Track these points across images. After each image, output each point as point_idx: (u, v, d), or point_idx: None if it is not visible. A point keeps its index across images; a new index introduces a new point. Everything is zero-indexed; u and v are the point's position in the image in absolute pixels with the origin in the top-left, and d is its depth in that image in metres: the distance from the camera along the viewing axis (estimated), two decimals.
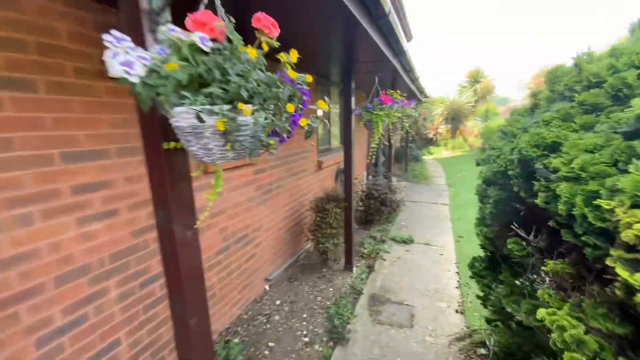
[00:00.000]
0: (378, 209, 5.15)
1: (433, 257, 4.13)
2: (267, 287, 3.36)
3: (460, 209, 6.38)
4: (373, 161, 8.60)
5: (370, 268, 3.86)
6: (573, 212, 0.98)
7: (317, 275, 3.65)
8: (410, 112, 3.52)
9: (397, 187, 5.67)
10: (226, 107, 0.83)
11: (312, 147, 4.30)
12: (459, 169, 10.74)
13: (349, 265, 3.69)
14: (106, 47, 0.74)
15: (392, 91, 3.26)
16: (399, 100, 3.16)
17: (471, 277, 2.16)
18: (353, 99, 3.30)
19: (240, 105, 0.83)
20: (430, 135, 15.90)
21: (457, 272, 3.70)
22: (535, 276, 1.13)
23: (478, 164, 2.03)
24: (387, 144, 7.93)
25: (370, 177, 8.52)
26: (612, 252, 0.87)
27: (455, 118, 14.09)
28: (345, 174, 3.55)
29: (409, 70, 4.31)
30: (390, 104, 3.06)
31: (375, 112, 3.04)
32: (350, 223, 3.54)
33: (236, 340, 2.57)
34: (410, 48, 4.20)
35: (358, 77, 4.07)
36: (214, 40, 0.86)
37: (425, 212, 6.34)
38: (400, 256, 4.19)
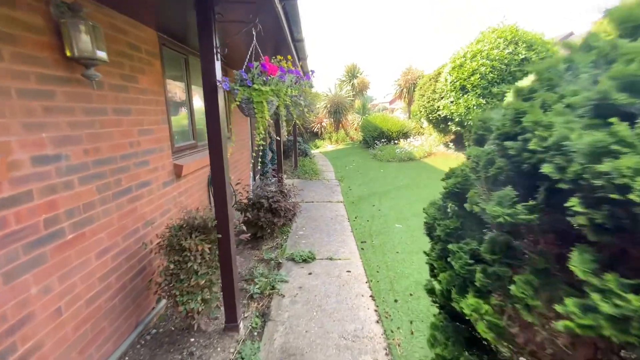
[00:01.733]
0: (270, 222, 4.03)
1: (341, 278, 3.36)
2: None
3: (355, 206, 6.03)
4: (259, 159, 7.39)
5: (265, 316, 2.72)
6: None
7: (179, 356, 2.23)
8: (307, 90, 2.50)
9: (290, 189, 4.69)
10: None
11: (160, 143, 2.73)
12: (345, 162, 10.85)
13: (232, 325, 2.43)
14: None
15: (280, 57, 2.14)
16: (291, 70, 2.08)
17: None
18: (217, 65, 2.00)
19: None
20: (316, 129, 15.92)
21: (371, 296, 3.02)
22: None
23: (474, 159, 1.15)
24: (276, 137, 6.88)
25: (257, 178, 7.28)
26: None
27: (337, 111, 14.44)
28: (215, 185, 2.24)
29: (298, 39, 3.30)
30: (281, 75, 1.94)
31: (256, 86, 1.86)
32: (230, 265, 2.28)
33: None
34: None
35: (225, 34, 2.75)
36: None
37: (322, 213, 5.67)
38: (303, 285, 3.23)
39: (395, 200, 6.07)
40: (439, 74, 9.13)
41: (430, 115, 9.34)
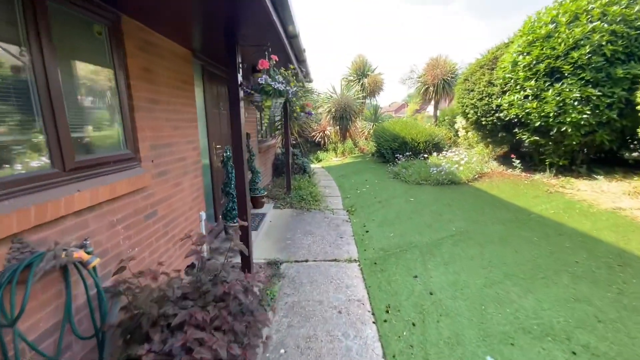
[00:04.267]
0: None
1: None
2: None
3: (381, 276, 3.48)
4: (223, 188, 4.90)
5: None
6: None
7: None
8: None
9: (257, 283, 2.14)
10: None
11: None
12: (355, 183, 8.33)
13: None
14: None
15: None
16: None
17: None
18: None
19: None
20: (318, 138, 13.48)
21: None
22: None
23: None
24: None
25: (220, 219, 4.73)
26: None
27: (344, 117, 11.99)
28: None
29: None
30: None
31: None
32: None
33: None
34: None
35: None
36: None
37: (322, 292, 3.14)
38: None
39: (457, 270, 3.47)
40: (496, 57, 6.63)
41: (483, 119, 6.74)
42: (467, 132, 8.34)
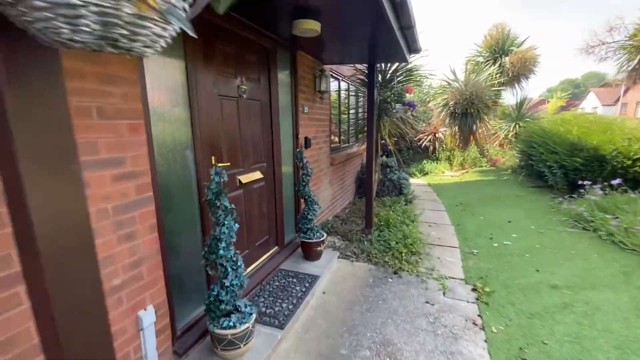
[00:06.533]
0: None
1: None
2: None
3: None
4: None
5: None
6: None
7: None
8: None
9: None
10: None
11: None
12: (485, 222, 5.10)
13: None
14: None
15: None
16: None
17: None
18: None
19: None
20: (425, 143, 10.22)
21: None
22: None
23: None
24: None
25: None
26: None
27: (468, 112, 8.43)
28: None
29: None
30: None
31: None
32: None
33: None
34: None
35: None
36: None
37: None
38: None
39: None
40: None
41: None
42: None
